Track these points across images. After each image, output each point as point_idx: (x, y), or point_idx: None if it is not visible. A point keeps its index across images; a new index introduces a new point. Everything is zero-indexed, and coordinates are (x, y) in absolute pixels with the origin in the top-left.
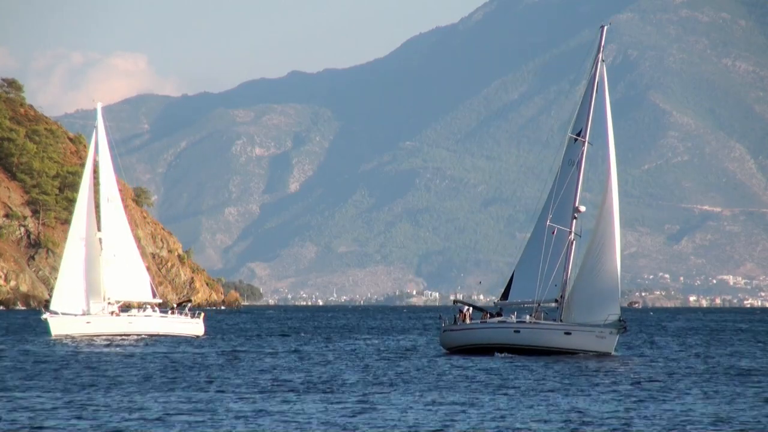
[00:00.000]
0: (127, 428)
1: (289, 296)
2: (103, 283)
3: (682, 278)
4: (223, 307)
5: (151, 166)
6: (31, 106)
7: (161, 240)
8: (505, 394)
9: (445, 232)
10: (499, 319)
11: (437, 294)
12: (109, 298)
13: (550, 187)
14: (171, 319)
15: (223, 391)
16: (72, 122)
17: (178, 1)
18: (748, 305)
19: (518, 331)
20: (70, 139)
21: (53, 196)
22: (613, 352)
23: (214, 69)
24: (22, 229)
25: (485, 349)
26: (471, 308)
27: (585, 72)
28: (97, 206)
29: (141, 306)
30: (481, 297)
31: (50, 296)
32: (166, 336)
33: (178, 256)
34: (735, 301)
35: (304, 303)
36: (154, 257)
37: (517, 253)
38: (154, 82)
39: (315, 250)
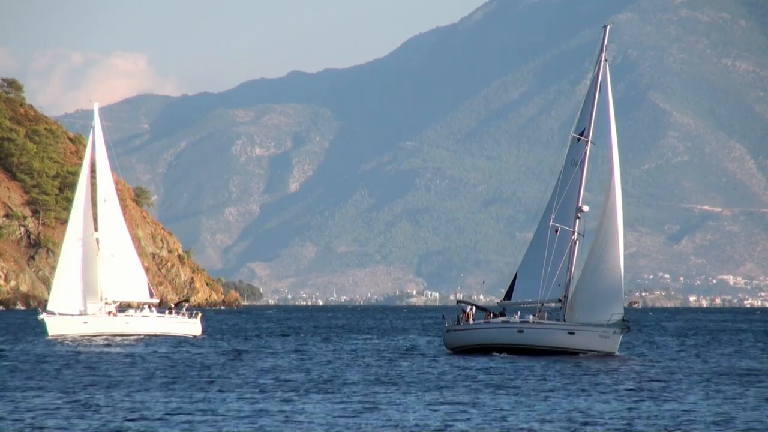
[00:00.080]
0: (128, 428)
1: (289, 296)
2: (100, 283)
3: (682, 278)
4: (222, 308)
5: (151, 166)
6: (31, 106)
7: (161, 240)
8: (507, 394)
9: (445, 232)
10: (503, 319)
11: (437, 294)
12: (106, 298)
13: (552, 187)
14: (168, 319)
15: (223, 391)
16: (72, 122)
17: (178, 1)
18: (748, 305)
19: (522, 331)
20: (70, 139)
21: (53, 196)
22: (616, 352)
23: (214, 69)
24: (22, 229)
25: (489, 350)
26: (474, 308)
27: (585, 72)
28: (95, 206)
29: (139, 306)
30: (481, 297)
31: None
32: (163, 336)
33: (178, 256)
34: (735, 301)
35: (304, 303)
36: (154, 257)
37: (517, 253)
38: (154, 82)
39: (315, 250)
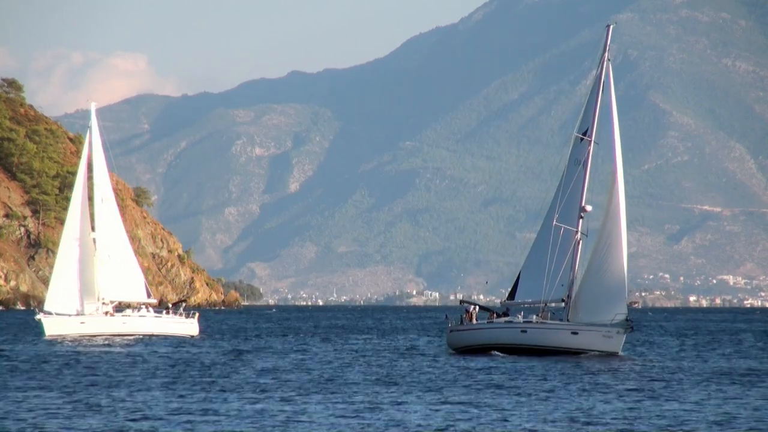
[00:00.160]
0: (129, 428)
1: (289, 296)
2: (97, 284)
3: (682, 278)
4: (221, 308)
5: (151, 166)
6: (31, 106)
7: (161, 240)
8: (509, 394)
9: (445, 232)
10: (506, 319)
11: (437, 294)
12: (103, 299)
13: (554, 187)
14: (165, 319)
15: (224, 391)
16: (72, 122)
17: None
18: (748, 305)
19: (525, 331)
20: (70, 139)
21: (53, 196)
22: (620, 352)
23: (214, 69)
24: (22, 229)
25: (492, 350)
26: (477, 308)
27: (585, 72)
28: (92, 206)
29: (136, 306)
30: (481, 297)
31: None
32: (160, 336)
33: (178, 256)
34: (735, 301)
35: (304, 303)
36: (154, 257)
37: (517, 253)
38: (154, 82)
39: (315, 250)
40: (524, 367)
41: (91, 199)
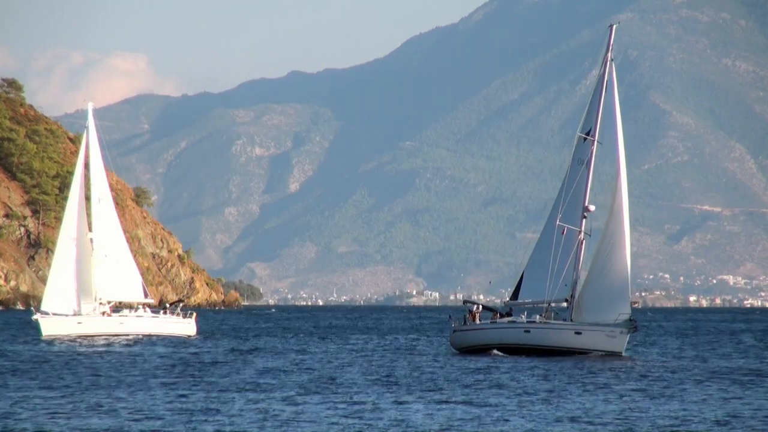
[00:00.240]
0: (130, 428)
1: (289, 296)
2: (94, 284)
3: (682, 278)
4: (221, 308)
5: (151, 166)
6: (31, 106)
7: (161, 240)
8: (510, 394)
9: (445, 232)
10: (509, 319)
11: (437, 294)
12: (100, 299)
13: (555, 187)
14: (162, 319)
15: (224, 391)
16: (72, 122)
17: (178, 1)
18: (748, 305)
19: (528, 331)
20: (70, 139)
21: (53, 196)
22: (623, 352)
23: (214, 69)
24: (22, 229)
25: (497, 349)
26: (481, 308)
27: (585, 72)
28: (89, 206)
29: (134, 306)
30: (482, 296)
31: None
32: (157, 336)
33: (178, 256)
34: (735, 301)
35: (304, 303)
36: (154, 257)
37: (518, 253)
38: (154, 82)
39: (315, 250)
40: (525, 367)
41: (88, 198)
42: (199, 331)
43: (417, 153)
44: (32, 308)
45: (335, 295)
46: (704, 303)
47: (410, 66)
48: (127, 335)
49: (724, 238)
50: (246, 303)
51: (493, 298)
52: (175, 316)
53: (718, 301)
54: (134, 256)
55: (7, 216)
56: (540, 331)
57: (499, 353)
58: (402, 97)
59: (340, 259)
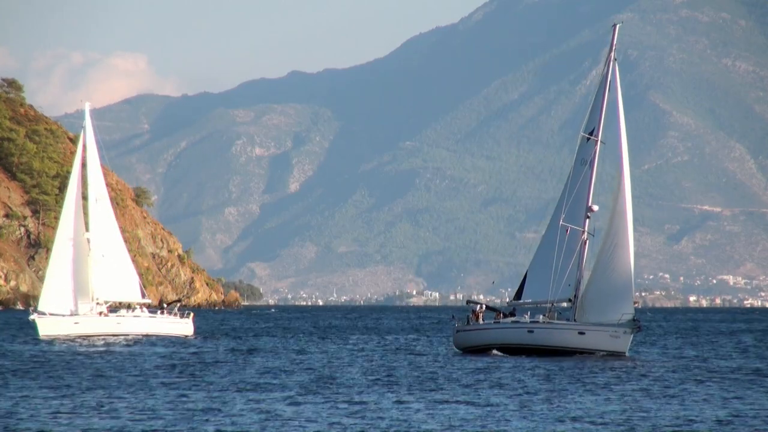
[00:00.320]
0: (131, 428)
1: (289, 296)
2: (91, 284)
3: (682, 278)
4: (221, 308)
5: (151, 166)
6: (31, 106)
7: (161, 240)
8: (510, 395)
9: (445, 232)
10: (513, 319)
11: (437, 294)
12: (97, 299)
13: (557, 187)
14: (160, 319)
15: (224, 391)
16: (72, 122)
17: (178, 1)
18: (748, 305)
19: (532, 331)
20: (70, 139)
21: (53, 196)
22: (627, 352)
23: (214, 69)
24: (22, 229)
25: (499, 350)
26: (484, 308)
27: (585, 72)
28: (86, 206)
29: (131, 306)
30: (482, 296)
31: None
32: (154, 336)
33: (178, 256)
34: (735, 301)
35: (304, 303)
36: (154, 257)
37: (518, 253)
38: (154, 82)
39: (315, 250)
40: (527, 367)
41: (85, 198)
42: (196, 331)
43: (417, 153)
44: (29, 308)
45: (335, 295)
46: (704, 303)
47: (410, 66)
48: (125, 335)
49: (724, 238)
50: (246, 303)
51: (493, 297)
52: (172, 316)
53: (718, 301)
54: (133, 256)
55: (7, 216)
56: (543, 332)
57: (499, 353)
58: (402, 97)
59: (340, 259)
